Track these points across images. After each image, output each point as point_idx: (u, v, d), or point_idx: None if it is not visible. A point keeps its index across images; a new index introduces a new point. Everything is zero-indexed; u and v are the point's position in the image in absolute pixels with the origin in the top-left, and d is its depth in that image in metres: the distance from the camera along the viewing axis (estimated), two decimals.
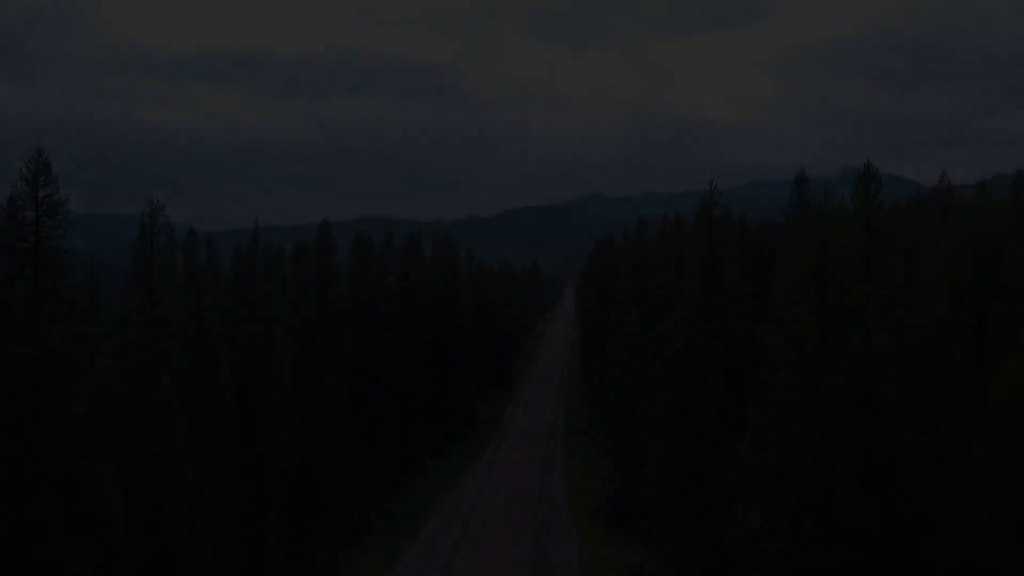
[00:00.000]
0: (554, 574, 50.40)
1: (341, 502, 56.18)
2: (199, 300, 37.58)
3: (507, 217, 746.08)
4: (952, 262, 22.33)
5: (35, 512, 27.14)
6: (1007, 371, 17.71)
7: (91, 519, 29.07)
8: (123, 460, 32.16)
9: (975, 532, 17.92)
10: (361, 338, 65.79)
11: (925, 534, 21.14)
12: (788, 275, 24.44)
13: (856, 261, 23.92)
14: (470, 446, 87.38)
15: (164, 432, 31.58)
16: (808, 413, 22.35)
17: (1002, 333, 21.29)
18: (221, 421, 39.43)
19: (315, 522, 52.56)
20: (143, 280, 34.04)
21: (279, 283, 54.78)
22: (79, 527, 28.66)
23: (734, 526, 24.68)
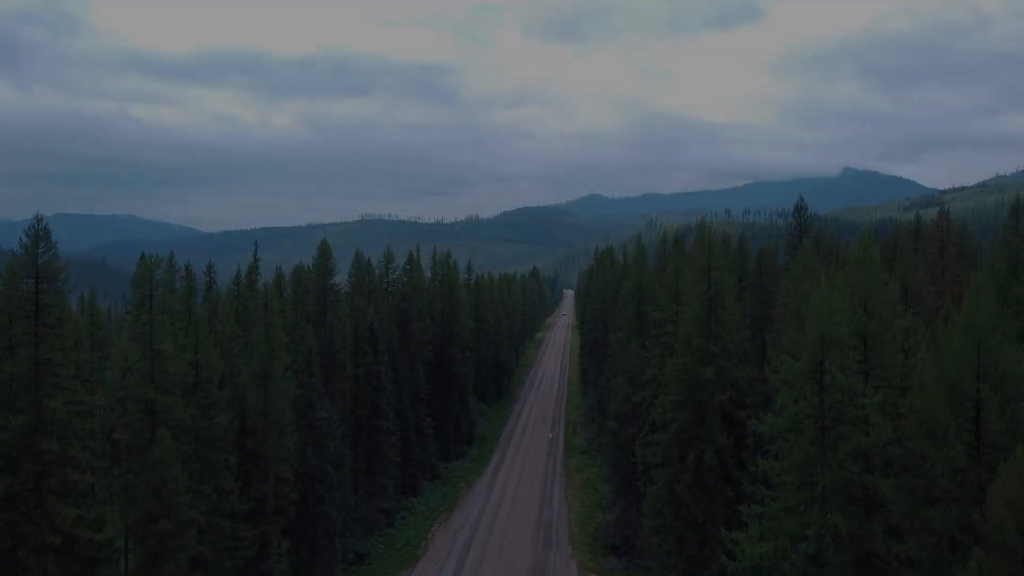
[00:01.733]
0: None
1: (340, 532, 56.17)
2: (197, 350, 37.43)
3: (507, 217, 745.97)
4: (948, 353, 22.28)
5: None
6: (1003, 485, 17.69)
7: None
8: (123, 519, 32.17)
9: None
10: (360, 366, 65.72)
11: None
12: (787, 366, 24.44)
13: (852, 351, 23.95)
14: (469, 466, 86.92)
15: (163, 492, 31.54)
16: (806, 508, 22.39)
17: (1001, 425, 21.26)
18: (221, 467, 39.36)
19: (314, 554, 52.61)
20: (144, 337, 33.91)
21: (278, 312, 54.50)
22: None
23: None
